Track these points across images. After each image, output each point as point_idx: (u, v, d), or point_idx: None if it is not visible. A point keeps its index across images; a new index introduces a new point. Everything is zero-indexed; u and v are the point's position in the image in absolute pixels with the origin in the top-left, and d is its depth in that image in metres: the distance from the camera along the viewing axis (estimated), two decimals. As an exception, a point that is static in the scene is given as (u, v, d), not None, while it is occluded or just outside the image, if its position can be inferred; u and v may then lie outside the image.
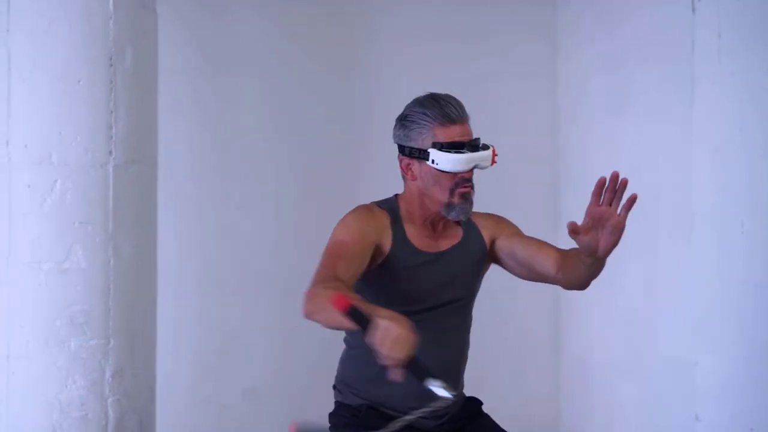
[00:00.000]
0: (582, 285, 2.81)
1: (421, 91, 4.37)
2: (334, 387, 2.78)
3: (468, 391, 4.52)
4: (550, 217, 4.79)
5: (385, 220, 2.65)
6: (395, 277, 2.63)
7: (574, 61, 4.71)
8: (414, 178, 2.65)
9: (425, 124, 2.61)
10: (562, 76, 4.78)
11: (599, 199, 2.55)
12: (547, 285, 4.63)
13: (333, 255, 2.51)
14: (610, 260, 4.36)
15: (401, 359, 2.13)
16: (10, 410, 2.93)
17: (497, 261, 2.86)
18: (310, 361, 4.36)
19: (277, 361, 4.30)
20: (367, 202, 2.75)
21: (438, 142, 2.59)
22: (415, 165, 2.63)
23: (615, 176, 2.49)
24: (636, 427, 4.31)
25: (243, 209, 4.22)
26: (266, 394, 4.29)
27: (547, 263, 2.79)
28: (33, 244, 2.92)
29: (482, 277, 2.83)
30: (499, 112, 4.69)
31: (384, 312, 2.17)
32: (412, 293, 2.64)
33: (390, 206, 2.70)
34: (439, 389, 2.23)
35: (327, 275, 2.45)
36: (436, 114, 2.60)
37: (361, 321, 2.16)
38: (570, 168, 4.76)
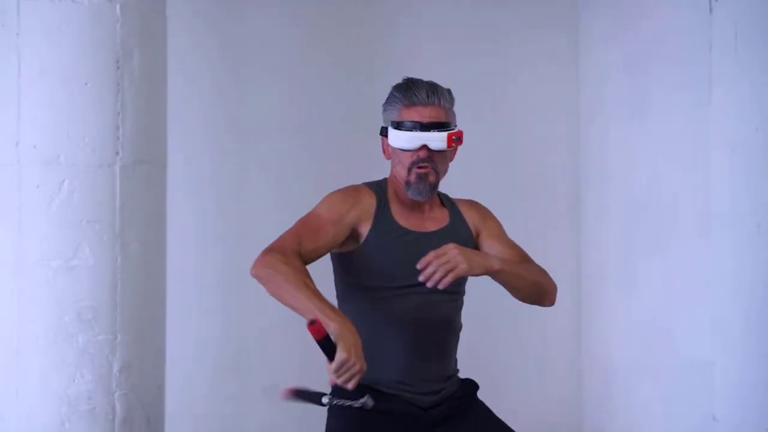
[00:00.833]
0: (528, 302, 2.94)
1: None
2: None
3: (490, 391, 4.55)
4: (571, 216, 4.79)
5: (370, 199, 2.80)
6: (380, 253, 2.74)
7: (595, 61, 4.71)
8: (387, 156, 2.85)
9: (395, 104, 2.80)
10: (584, 76, 4.77)
11: None
12: (569, 287, 4.69)
13: (305, 225, 2.65)
14: (630, 263, 4.39)
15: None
16: (20, 403, 3.01)
17: None
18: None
19: (297, 358, 4.34)
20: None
21: (395, 121, 2.77)
22: (386, 143, 2.84)
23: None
24: (656, 428, 4.30)
25: (262, 208, 4.28)
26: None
27: None
28: (42, 242, 3.00)
29: None
30: (520, 112, 4.71)
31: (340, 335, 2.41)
32: (398, 270, 2.74)
33: (379, 187, 2.85)
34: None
35: (290, 245, 2.60)
36: (403, 96, 2.78)
37: (329, 350, 2.42)
38: (590, 167, 4.75)
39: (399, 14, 4.57)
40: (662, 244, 4.26)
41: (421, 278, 2.52)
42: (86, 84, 3.02)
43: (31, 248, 3.00)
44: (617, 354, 4.57)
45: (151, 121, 3.18)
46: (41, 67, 3.00)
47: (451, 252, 2.54)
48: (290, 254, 2.53)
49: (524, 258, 2.90)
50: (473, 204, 3.01)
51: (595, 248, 4.71)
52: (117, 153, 3.07)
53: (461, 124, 4.65)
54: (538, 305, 2.89)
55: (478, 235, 2.91)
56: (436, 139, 2.75)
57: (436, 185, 2.83)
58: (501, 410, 4.67)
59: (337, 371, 2.37)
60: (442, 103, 2.79)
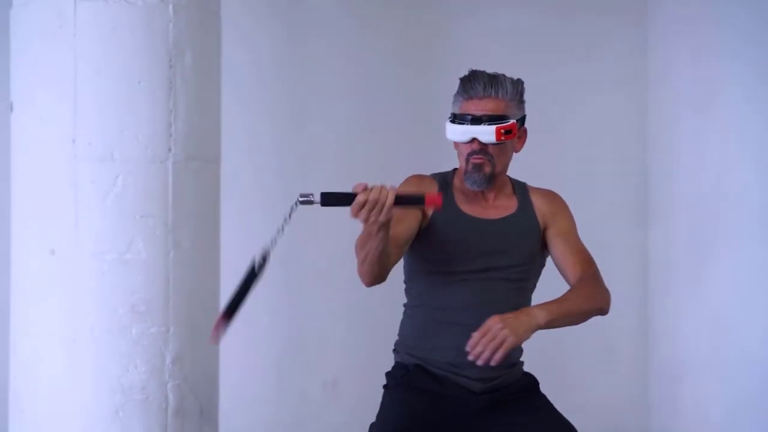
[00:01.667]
0: None
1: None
2: (394, 350, 2.97)
3: (556, 388, 4.54)
4: (639, 212, 4.75)
5: (433, 187, 2.86)
6: (440, 238, 2.80)
7: (663, 55, 4.66)
8: (456, 147, 2.89)
9: (458, 97, 2.86)
10: (652, 70, 4.73)
11: None
12: (637, 284, 4.65)
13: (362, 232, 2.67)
14: (698, 260, 4.34)
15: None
16: (76, 391, 3.11)
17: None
18: (388, 354, 4.44)
19: (357, 353, 4.40)
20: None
21: (452, 113, 2.84)
22: None
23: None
24: (724, 427, 4.24)
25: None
26: (346, 387, 4.40)
27: (566, 276, 2.90)
28: (97, 236, 3.10)
29: (540, 253, 2.93)
30: (588, 107, 4.68)
31: None
32: (458, 255, 2.80)
33: (443, 177, 2.93)
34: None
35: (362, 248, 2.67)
36: (462, 89, 2.84)
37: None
38: (658, 163, 4.71)
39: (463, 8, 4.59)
40: (731, 240, 4.21)
41: (470, 358, 2.54)
42: (139, 82, 3.11)
43: (86, 242, 3.10)
44: (685, 352, 4.52)
45: (204, 118, 3.26)
46: (96, 67, 3.09)
47: (495, 328, 2.54)
48: None
49: (585, 264, 2.85)
50: (549, 195, 2.99)
51: (663, 244, 4.67)
52: (169, 149, 3.15)
53: (529, 119, 4.67)
54: None
55: (545, 229, 2.92)
56: (485, 133, 2.78)
57: (492, 176, 2.85)
58: (567, 408, 4.65)
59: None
60: (500, 95, 2.81)
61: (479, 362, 2.53)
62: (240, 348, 4.08)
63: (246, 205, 4.23)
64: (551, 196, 3.01)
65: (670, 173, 4.60)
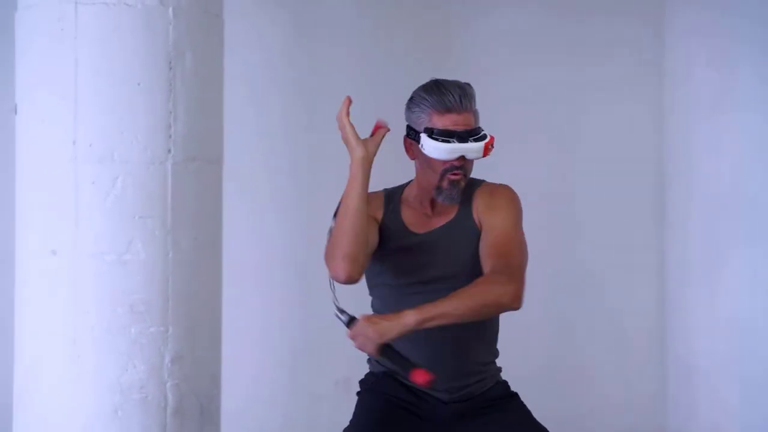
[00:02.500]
0: None
1: (524, 88, 4.42)
2: (368, 358, 2.98)
3: (571, 390, 4.52)
4: (655, 212, 4.72)
5: (378, 201, 2.85)
6: (386, 254, 2.82)
7: (679, 54, 4.62)
8: (413, 158, 2.83)
9: (424, 109, 2.75)
10: (668, 70, 4.69)
11: None
12: (653, 284, 4.61)
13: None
14: (714, 260, 4.29)
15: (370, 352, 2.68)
16: (76, 390, 3.14)
17: None
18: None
19: (355, 354, 4.40)
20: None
21: (429, 128, 2.73)
22: (414, 146, 2.79)
23: None
24: (740, 429, 4.21)
25: (325, 204, 4.33)
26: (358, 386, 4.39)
27: (483, 267, 2.83)
28: (96, 237, 3.13)
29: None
30: (604, 106, 4.66)
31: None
32: (402, 269, 2.82)
33: (392, 191, 2.90)
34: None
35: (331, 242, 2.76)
36: (435, 101, 2.73)
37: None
38: (674, 162, 4.68)
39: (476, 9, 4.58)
40: (747, 240, 4.19)
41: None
42: (139, 84, 3.14)
43: (86, 242, 3.13)
44: (701, 352, 4.49)
45: (205, 119, 3.28)
46: (97, 69, 3.12)
47: (358, 339, 2.69)
48: None
49: (496, 257, 2.74)
50: (492, 192, 2.88)
51: (680, 244, 4.64)
52: (169, 151, 3.17)
53: (547, 120, 4.65)
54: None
55: (481, 228, 2.87)
56: (474, 150, 2.74)
57: (464, 188, 2.83)
58: (583, 408, 4.68)
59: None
60: (472, 106, 2.77)
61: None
62: (251, 348, 4.11)
63: (258, 205, 4.25)
64: (493, 192, 2.89)
65: (687, 174, 4.56)
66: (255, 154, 4.23)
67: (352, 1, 4.46)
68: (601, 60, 4.66)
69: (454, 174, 2.76)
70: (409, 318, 2.61)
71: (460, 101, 2.73)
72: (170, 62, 3.17)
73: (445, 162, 2.74)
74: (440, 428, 2.82)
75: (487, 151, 2.76)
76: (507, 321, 4.61)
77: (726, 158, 4.28)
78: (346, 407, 4.36)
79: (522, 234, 2.83)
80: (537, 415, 4.62)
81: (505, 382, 2.98)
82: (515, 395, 2.97)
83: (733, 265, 4.25)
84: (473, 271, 2.79)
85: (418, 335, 2.66)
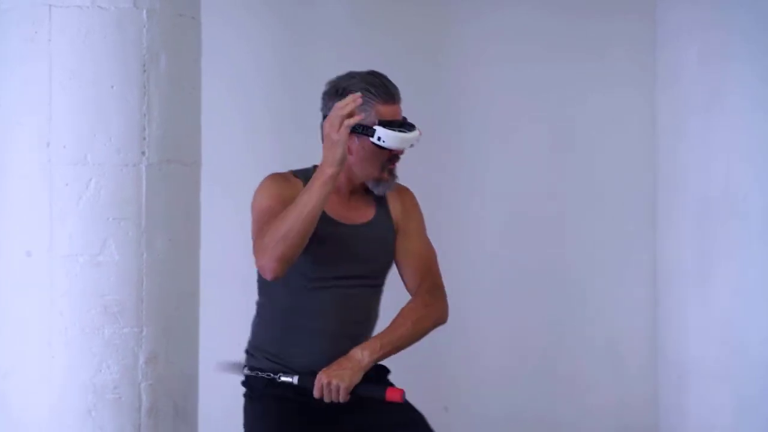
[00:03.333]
0: None
1: (516, 85, 4.41)
2: (246, 352, 2.94)
3: (565, 390, 4.52)
4: (647, 213, 4.70)
5: (297, 185, 2.75)
6: (309, 244, 2.72)
7: (672, 54, 4.60)
8: (349, 152, 2.74)
9: (369, 101, 2.72)
10: (661, 69, 4.67)
11: None
12: (645, 286, 4.58)
13: (265, 223, 2.63)
14: (705, 262, 4.27)
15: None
16: (50, 391, 3.17)
17: None
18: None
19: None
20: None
21: (385, 120, 2.66)
22: (354, 140, 2.70)
23: None
24: (730, 430, 4.19)
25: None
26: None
27: (403, 280, 2.93)
28: (70, 238, 3.15)
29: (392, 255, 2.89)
30: (595, 108, 4.65)
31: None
32: (323, 261, 2.79)
33: (306, 176, 2.80)
34: None
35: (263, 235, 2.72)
36: (380, 92, 2.73)
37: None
38: (666, 163, 4.66)
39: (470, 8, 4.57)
40: (739, 242, 4.17)
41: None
42: (112, 87, 3.16)
43: (60, 244, 3.15)
44: (693, 354, 4.49)
45: (181, 122, 3.29)
46: (71, 71, 3.14)
47: (326, 388, 2.72)
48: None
49: (423, 274, 2.87)
50: (402, 193, 2.96)
51: (672, 246, 4.62)
52: (143, 153, 3.19)
53: (538, 118, 4.64)
54: None
55: (397, 231, 2.88)
56: (416, 139, 2.76)
57: None
58: (575, 409, 4.66)
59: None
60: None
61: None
62: (233, 349, 4.11)
63: (244, 207, 4.22)
64: (404, 195, 2.97)
65: (678, 175, 4.54)
66: (240, 155, 4.24)
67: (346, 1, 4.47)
68: (594, 57, 4.65)
69: (393, 164, 2.77)
70: (365, 359, 2.70)
71: (397, 90, 2.77)
72: (144, 65, 3.19)
73: (389, 153, 2.73)
74: (334, 424, 2.82)
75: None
76: (498, 323, 4.63)
77: (717, 159, 4.27)
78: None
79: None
80: (529, 417, 4.65)
81: (381, 365, 2.97)
82: (387, 371, 2.99)
83: (724, 266, 4.23)
84: (384, 272, 2.83)
85: (324, 328, 2.69)
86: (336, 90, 2.78)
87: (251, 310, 4.28)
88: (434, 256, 2.92)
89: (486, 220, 4.64)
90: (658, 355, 4.69)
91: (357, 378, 2.68)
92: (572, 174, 4.63)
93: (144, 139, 3.19)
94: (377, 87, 2.74)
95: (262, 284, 2.90)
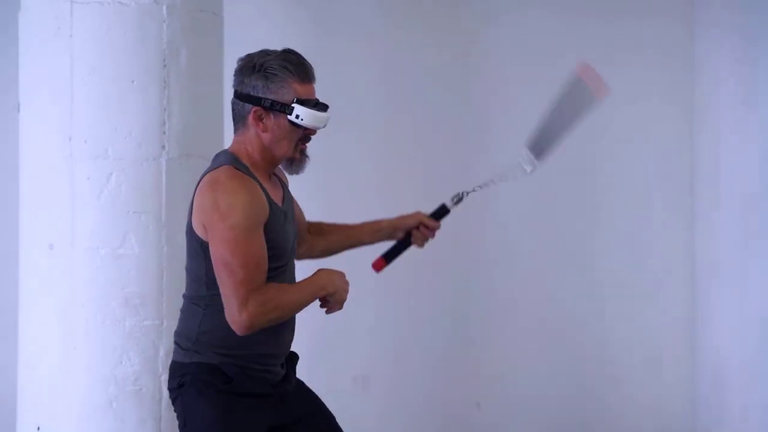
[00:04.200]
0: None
1: (549, 84, 4.37)
2: (180, 346, 2.69)
3: (602, 385, 4.49)
4: (685, 209, 4.63)
5: (258, 186, 2.64)
6: (275, 236, 2.67)
7: (710, 50, 4.54)
8: (265, 130, 2.65)
9: (286, 78, 2.64)
10: (699, 66, 4.60)
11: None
12: (683, 282, 4.52)
13: (250, 266, 2.54)
14: (744, 261, 4.20)
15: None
16: (72, 382, 3.21)
17: None
18: (419, 349, 4.46)
19: (386, 349, 4.41)
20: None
21: (302, 99, 2.63)
22: (270, 118, 2.65)
23: None
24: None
25: (350, 195, 4.35)
26: (375, 382, 4.41)
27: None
28: (91, 232, 3.19)
29: None
30: (633, 102, 4.58)
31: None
32: (284, 244, 2.71)
33: (243, 169, 2.65)
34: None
35: (260, 279, 2.58)
36: (298, 70, 2.65)
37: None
38: (703, 159, 4.58)
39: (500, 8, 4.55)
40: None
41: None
42: (133, 82, 3.20)
43: (82, 236, 3.20)
44: (732, 353, 4.40)
45: (201, 116, 3.32)
46: (92, 67, 3.19)
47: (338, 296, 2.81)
48: (263, 288, 2.58)
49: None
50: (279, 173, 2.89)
51: (710, 242, 4.54)
52: (163, 147, 3.22)
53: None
54: None
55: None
56: (329, 119, 2.72)
57: None
58: (613, 409, 4.61)
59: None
60: None
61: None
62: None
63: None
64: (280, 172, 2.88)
65: (717, 173, 4.48)
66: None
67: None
68: (630, 59, 4.57)
69: (304, 145, 2.71)
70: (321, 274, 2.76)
71: (313, 70, 2.69)
72: (164, 60, 3.22)
73: (303, 132, 2.67)
74: (287, 414, 2.79)
75: None
76: (531, 320, 4.59)
77: (756, 157, 4.20)
78: (363, 403, 4.41)
79: None
80: (562, 415, 4.61)
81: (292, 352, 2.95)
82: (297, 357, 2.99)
83: (763, 265, 4.16)
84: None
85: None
86: (252, 67, 2.70)
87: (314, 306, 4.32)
88: None
89: (519, 218, 4.60)
90: (696, 354, 4.61)
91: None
92: (609, 172, 4.59)
93: (164, 133, 3.23)
94: (295, 65, 2.65)
95: (214, 285, 2.62)
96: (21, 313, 3.36)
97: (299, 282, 2.70)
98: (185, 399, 2.64)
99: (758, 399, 4.20)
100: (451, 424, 4.52)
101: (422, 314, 4.48)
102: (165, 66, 3.22)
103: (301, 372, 4.34)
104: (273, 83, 2.63)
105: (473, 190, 3.03)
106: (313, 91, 2.69)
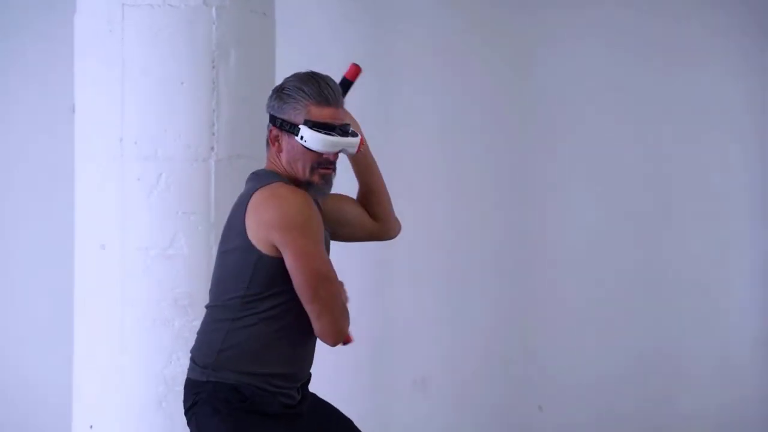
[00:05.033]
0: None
1: (617, 82, 4.31)
2: (197, 363, 2.69)
3: (671, 386, 4.42)
4: (757, 211, 4.53)
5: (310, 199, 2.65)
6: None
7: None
8: (280, 150, 2.69)
9: (300, 100, 2.66)
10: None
11: None
12: (757, 283, 4.42)
13: (330, 283, 2.59)
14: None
15: None
16: (122, 382, 3.24)
17: None
18: (480, 351, 4.42)
19: (447, 351, 4.38)
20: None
21: (310, 120, 2.64)
22: (284, 138, 2.68)
23: None
24: None
25: (410, 199, 4.32)
26: (436, 385, 4.38)
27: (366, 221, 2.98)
28: (141, 232, 3.22)
29: None
30: (704, 105, 4.50)
31: None
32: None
33: (284, 179, 2.69)
34: None
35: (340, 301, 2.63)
36: (313, 92, 2.65)
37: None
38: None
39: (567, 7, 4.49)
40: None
41: None
42: (182, 83, 3.21)
43: (132, 237, 3.23)
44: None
45: (251, 117, 3.32)
46: (142, 68, 3.22)
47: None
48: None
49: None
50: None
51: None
52: (212, 148, 3.24)
53: (646, 119, 4.54)
54: None
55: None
56: (353, 145, 2.68)
57: None
58: (682, 406, 4.52)
59: None
60: (342, 102, 2.73)
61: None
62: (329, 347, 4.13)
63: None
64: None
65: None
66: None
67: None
68: (700, 57, 4.53)
69: (326, 169, 2.69)
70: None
71: (336, 95, 2.67)
72: (213, 61, 3.23)
73: (319, 156, 2.65)
74: (300, 419, 2.74)
75: (360, 146, 2.73)
76: (594, 323, 4.52)
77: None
78: (423, 406, 4.38)
79: None
80: (624, 419, 4.53)
81: None
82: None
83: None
84: None
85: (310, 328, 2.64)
86: (277, 90, 2.73)
87: (358, 308, 4.30)
88: None
89: (583, 220, 4.53)
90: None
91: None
92: (682, 172, 4.51)
93: (213, 134, 3.24)
94: (310, 87, 2.65)
95: (263, 289, 2.62)
96: (76, 314, 3.40)
97: None
98: (200, 419, 2.66)
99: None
100: (513, 428, 4.48)
101: (483, 317, 4.44)
102: (214, 67, 3.24)
103: (363, 375, 4.37)
104: (286, 104, 2.68)
105: None
106: (331, 115, 2.67)
